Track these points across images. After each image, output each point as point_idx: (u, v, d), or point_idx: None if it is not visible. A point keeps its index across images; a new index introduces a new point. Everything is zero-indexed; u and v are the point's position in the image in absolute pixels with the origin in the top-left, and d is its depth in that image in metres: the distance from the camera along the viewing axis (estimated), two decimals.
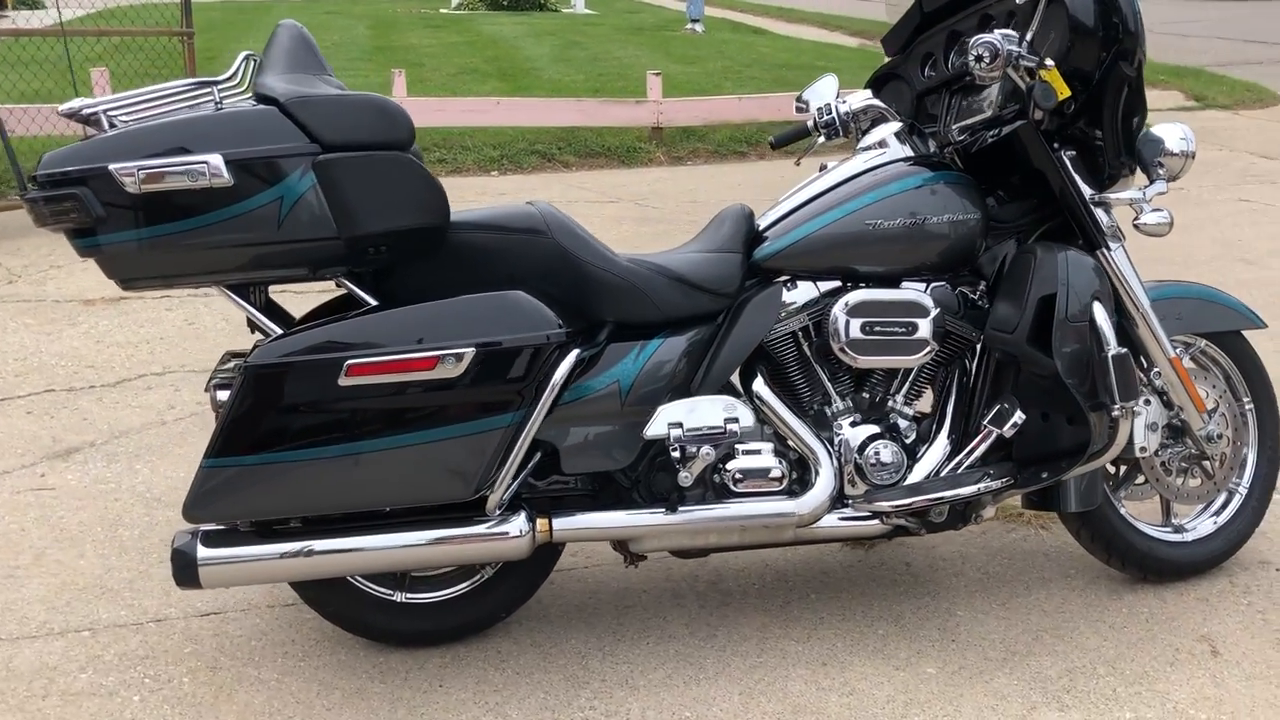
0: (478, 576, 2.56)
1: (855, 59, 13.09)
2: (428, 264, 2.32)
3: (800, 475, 2.52)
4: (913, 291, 2.51)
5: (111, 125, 2.16)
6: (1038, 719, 2.32)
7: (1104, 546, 2.73)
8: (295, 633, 2.64)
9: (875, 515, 2.52)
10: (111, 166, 2.06)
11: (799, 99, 2.94)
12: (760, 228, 2.61)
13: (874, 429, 2.54)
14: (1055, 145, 2.53)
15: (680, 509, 2.44)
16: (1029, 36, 2.39)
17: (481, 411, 2.24)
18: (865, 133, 2.83)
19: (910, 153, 2.65)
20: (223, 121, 2.16)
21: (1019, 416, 2.46)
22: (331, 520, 2.34)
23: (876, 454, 2.50)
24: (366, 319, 2.22)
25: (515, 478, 2.33)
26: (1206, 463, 2.78)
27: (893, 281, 2.55)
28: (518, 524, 2.35)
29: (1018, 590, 2.79)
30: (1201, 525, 2.83)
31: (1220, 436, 2.74)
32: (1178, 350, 2.67)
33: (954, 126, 2.68)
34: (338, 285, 2.37)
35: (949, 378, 2.64)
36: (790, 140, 2.95)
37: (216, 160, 2.08)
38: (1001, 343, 2.49)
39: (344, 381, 2.16)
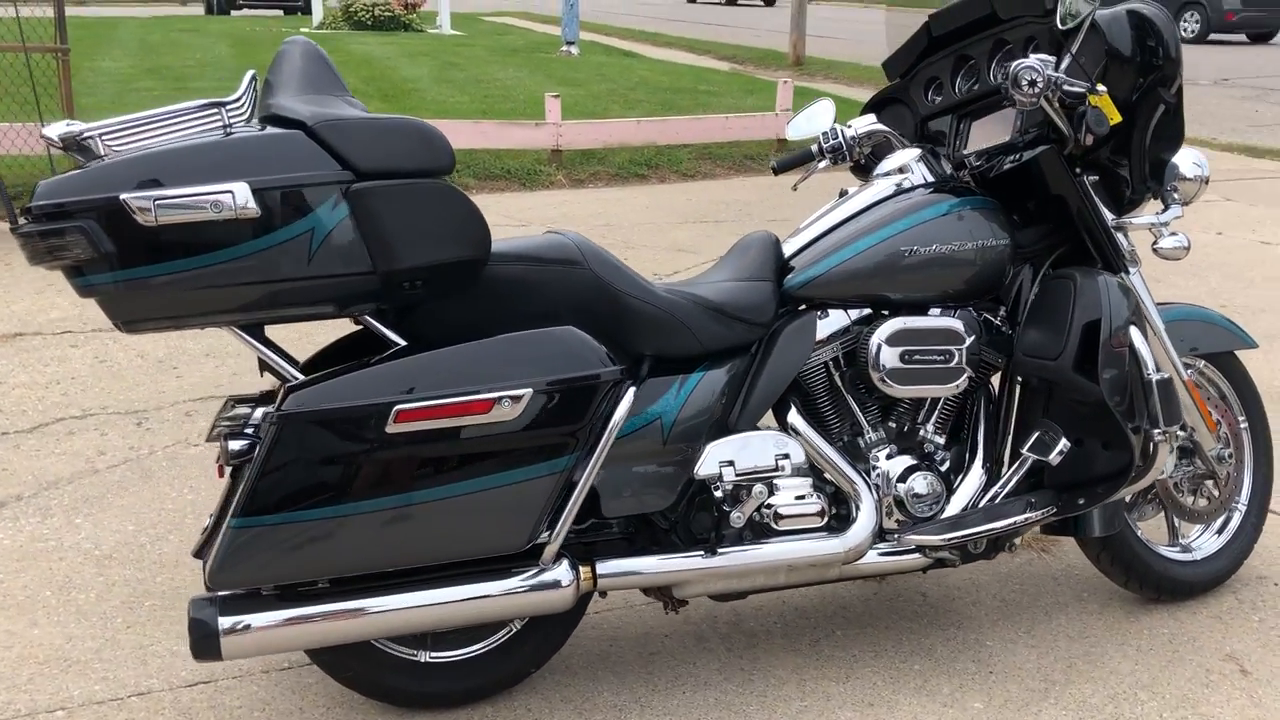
0: (505, 631, 2.39)
1: (732, 83, 13.25)
2: (457, 299, 2.16)
3: (838, 510, 2.45)
4: (948, 319, 2.47)
5: (105, 152, 1.95)
6: None
7: (1123, 569, 2.74)
8: (302, 699, 2.42)
9: (917, 549, 2.46)
10: (123, 196, 1.85)
11: (791, 124, 2.90)
12: (786, 255, 2.54)
13: (910, 460, 2.48)
14: (1076, 170, 2.53)
15: (724, 550, 2.34)
16: (1066, 62, 2.38)
17: (537, 456, 2.09)
18: (867, 157, 2.80)
19: (931, 178, 2.61)
20: (246, 147, 1.97)
21: (1064, 444, 2.44)
22: (361, 578, 2.15)
23: (915, 486, 2.45)
24: (412, 360, 2.04)
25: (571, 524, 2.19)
26: (1211, 482, 2.82)
27: (921, 309, 2.51)
28: (561, 573, 2.21)
29: (1038, 617, 2.78)
30: (1207, 544, 2.88)
31: (1229, 456, 2.79)
32: (1187, 372, 2.70)
33: (969, 151, 2.67)
34: (356, 323, 2.19)
35: (974, 405, 2.60)
36: (793, 165, 2.89)
37: (242, 189, 1.89)
38: (1040, 370, 2.46)
39: (392, 429, 1.98)
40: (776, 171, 2.91)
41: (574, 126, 8.45)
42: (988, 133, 2.66)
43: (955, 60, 2.75)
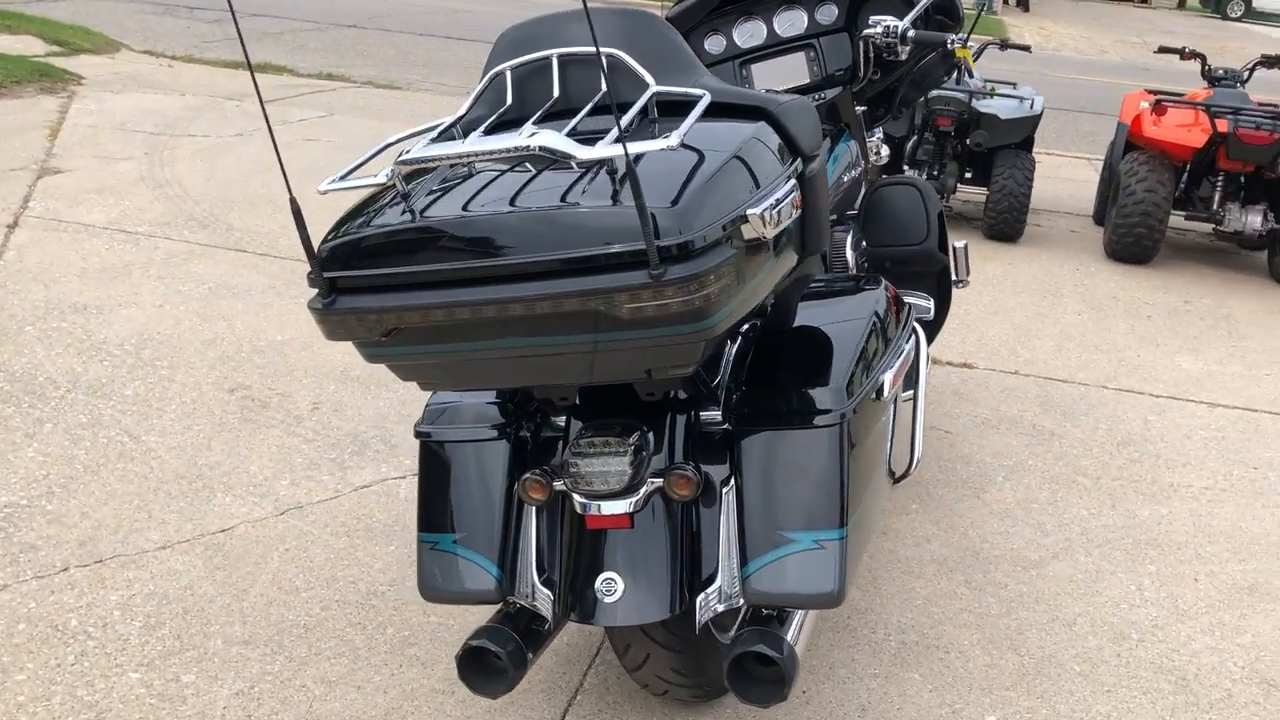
0: None
1: None
2: None
3: None
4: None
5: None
6: (1106, 514, 3.09)
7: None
8: None
9: None
10: (750, 211, 1.66)
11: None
12: None
13: None
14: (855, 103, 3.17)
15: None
16: (909, 20, 2.91)
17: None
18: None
19: None
20: (762, 141, 1.85)
21: (932, 304, 3.13)
22: None
23: None
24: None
25: None
26: None
27: None
28: None
29: None
30: None
31: None
32: None
33: (771, 90, 3.10)
34: None
35: None
36: None
37: (790, 185, 1.85)
38: (901, 254, 3.10)
39: (885, 396, 2.06)
40: None
41: None
42: (775, 75, 3.13)
43: (738, 14, 3.15)
